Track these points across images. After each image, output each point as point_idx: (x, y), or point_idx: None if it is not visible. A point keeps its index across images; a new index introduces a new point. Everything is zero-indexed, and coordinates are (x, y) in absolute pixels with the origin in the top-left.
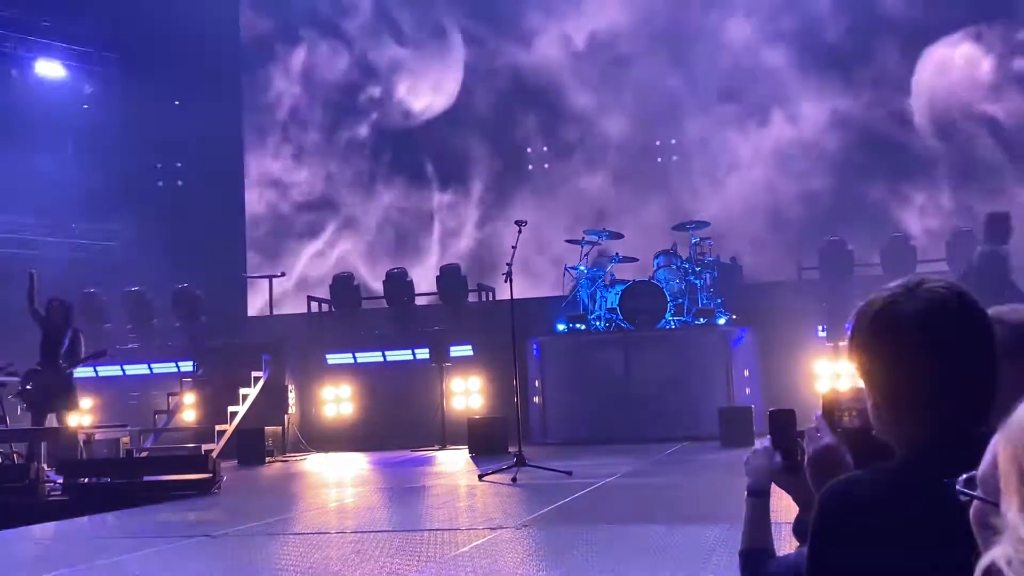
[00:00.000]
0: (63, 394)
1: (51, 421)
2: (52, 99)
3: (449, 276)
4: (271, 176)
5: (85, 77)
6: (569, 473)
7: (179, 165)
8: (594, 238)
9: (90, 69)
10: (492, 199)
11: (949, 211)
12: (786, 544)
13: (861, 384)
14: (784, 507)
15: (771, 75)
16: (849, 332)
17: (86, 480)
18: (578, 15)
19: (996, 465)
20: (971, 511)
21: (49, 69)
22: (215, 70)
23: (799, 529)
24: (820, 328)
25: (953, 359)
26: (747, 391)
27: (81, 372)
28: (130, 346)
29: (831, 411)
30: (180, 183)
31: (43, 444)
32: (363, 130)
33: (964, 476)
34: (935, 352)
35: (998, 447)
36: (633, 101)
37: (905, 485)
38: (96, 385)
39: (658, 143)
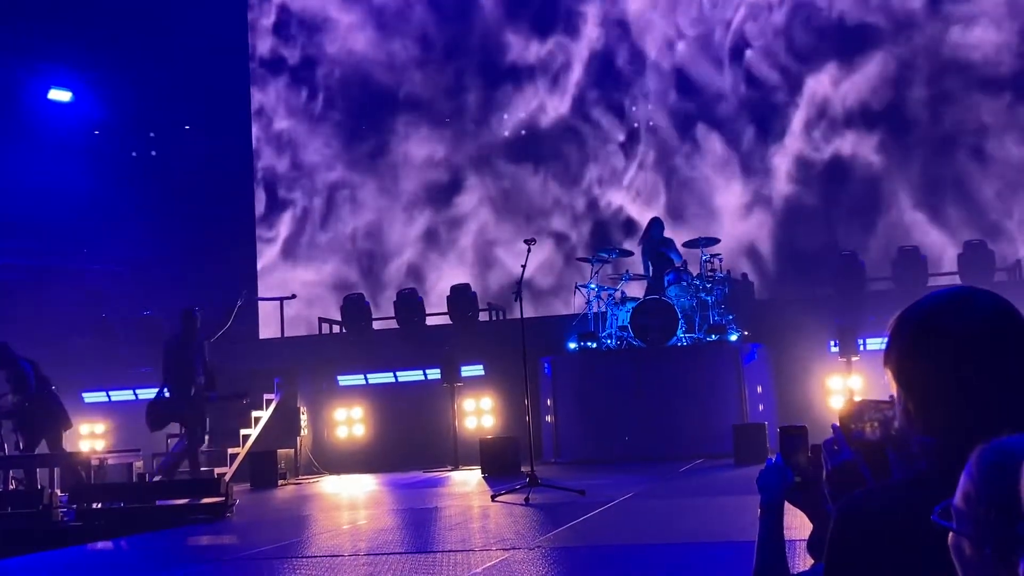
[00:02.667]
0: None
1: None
2: (63, 125)
3: (459, 295)
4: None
5: (96, 103)
6: (582, 492)
7: (190, 188)
8: (605, 256)
9: (101, 94)
10: None
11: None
12: (801, 562)
13: (874, 397)
14: (799, 524)
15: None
16: (888, 338)
17: (99, 505)
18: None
19: (967, 496)
20: (949, 539)
21: (60, 95)
22: (224, 91)
23: (814, 545)
24: (832, 343)
25: (997, 371)
26: (760, 407)
27: (93, 397)
28: (143, 370)
29: (849, 423)
30: (191, 205)
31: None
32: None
33: (940, 505)
34: (980, 363)
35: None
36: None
37: (926, 498)
38: (109, 409)
39: (673, 160)
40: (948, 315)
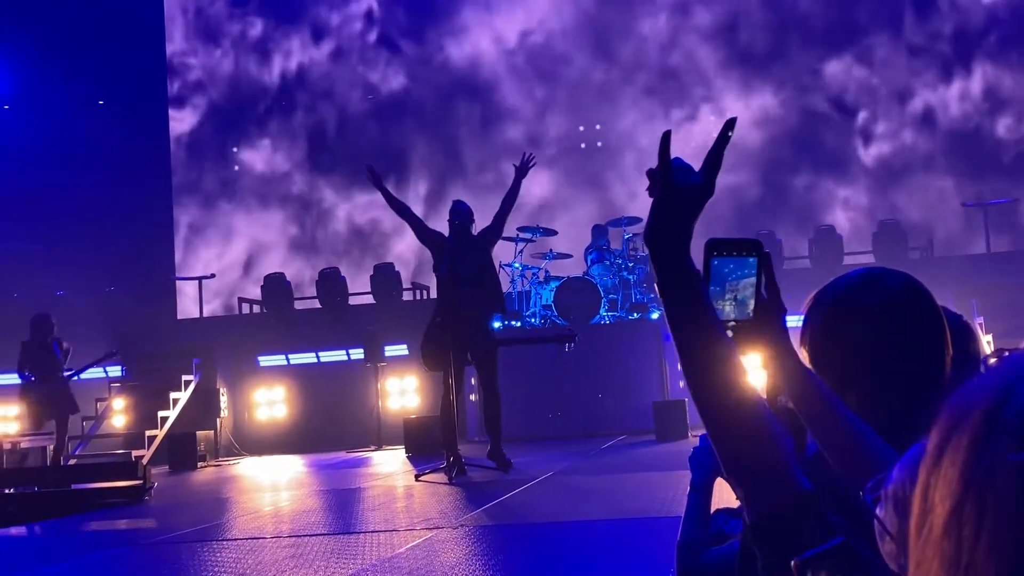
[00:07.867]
0: None
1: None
2: None
3: (383, 275)
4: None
5: (4, 77)
6: (506, 471)
7: (105, 165)
8: (528, 235)
9: (9, 68)
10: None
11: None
12: None
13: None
14: (725, 500)
15: (697, 71)
16: (804, 318)
17: (12, 490)
18: (510, 13)
19: (896, 496)
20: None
21: None
22: (139, 64)
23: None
24: None
25: (907, 350)
26: (681, 384)
27: (4, 379)
28: None
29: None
30: (106, 182)
31: None
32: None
33: (875, 479)
34: (890, 342)
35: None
36: (565, 98)
37: None
38: (20, 392)
39: (590, 140)
40: (861, 294)
